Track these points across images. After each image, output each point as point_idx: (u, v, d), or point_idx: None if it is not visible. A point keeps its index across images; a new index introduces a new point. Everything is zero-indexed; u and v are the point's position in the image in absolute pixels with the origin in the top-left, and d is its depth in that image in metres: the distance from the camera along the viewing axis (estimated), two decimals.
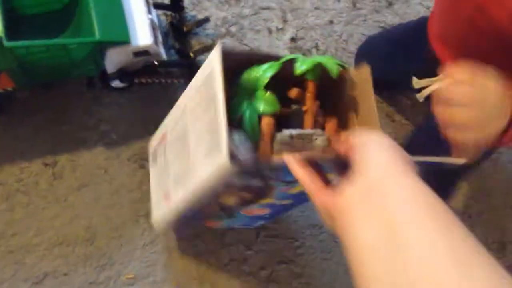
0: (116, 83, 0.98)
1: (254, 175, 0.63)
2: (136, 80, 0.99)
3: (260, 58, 0.63)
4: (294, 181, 0.60)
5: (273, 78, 0.62)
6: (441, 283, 0.26)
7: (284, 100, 0.65)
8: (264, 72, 0.62)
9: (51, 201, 0.94)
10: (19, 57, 0.82)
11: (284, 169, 0.52)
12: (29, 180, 0.95)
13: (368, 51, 0.98)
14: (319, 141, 0.64)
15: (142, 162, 0.98)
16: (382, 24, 1.22)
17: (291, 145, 0.62)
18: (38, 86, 0.94)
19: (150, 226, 0.94)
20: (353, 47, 1.15)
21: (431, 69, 0.65)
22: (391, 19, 1.24)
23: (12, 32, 0.80)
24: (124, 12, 0.88)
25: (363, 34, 1.19)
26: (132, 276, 0.91)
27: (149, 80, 1.00)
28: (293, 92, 0.66)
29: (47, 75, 0.90)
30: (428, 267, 0.27)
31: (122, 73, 0.95)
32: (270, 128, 0.62)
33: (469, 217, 1.04)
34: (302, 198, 0.73)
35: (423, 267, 0.27)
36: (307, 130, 0.64)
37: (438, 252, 0.27)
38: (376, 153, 0.34)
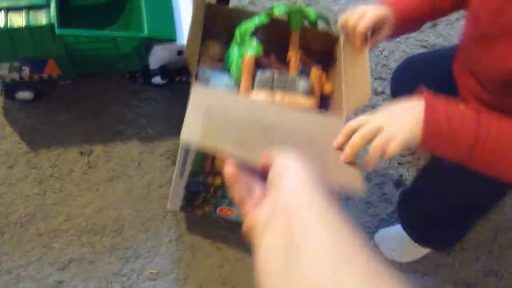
0: (156, 80, 1.00)
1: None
2: (176, 79, 1.00)
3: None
4: None
5: (273, 43, 0.77)
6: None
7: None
8: (252, 22, 0.74)
9: (83, 189, 0.95)
10: (68, 45, 0.84)
11: None
12: (63, 167, 0.96)
13: (403, 71, 0.98)
14: (302, 83, 0.73)
15: (175, 158, 0.99)
16: (425, 44, 1.21)
17: (270, 85, 0.72)
18: (81, 76, 0.96)
19: (177, 222, 0.95)
20: (393, 64, 1.14)
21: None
22: (434, 39, 1.23)
23: (63, 20, 0.82)
24: (172, 11, 0.90)
25: (405, 52, 1.18)
26: (155, 271, 0.91)
27: (189, 80, 1.01)
28: (289, 56, 0.79)
29: (92, 66, 0.92)
30: (318, 275, 0.27)
31: (164, 70, 0.97)
32: (249, 66, 0.73)
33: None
34: None
35: (314, 275, 0.28)
36: (291, 74, 0.72)
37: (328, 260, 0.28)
38: (289, 176, 0.34)
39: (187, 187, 0.80)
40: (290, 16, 0.78)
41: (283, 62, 0.80)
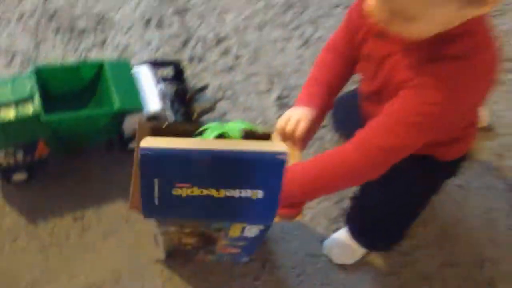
0: (131, 145, 1.16)
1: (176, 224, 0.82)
2: None
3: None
4: (218, 229, 0.79)
5: None
6: None
7: None
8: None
9: (81, 250, 1.08)
10: (54, 128, 1.00)
11: None
12: (61, 233, 1.10)
13: (339, 108, 1.18)
14: None
15: None
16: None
17: None
18: (67, 152, 1.11)
19: (168, 266, 1.08)
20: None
21: None
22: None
23: (46, 107, 0.98)
24: (137, 85, 1.07)
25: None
26: None
27: None
28: None
29: (76, 142, 1.08)
30: None
31: None
32: None
33: None
34: (251, 239, 0.89)
35: None
36: None
37: None
38: None
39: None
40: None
41: None
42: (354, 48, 0.88)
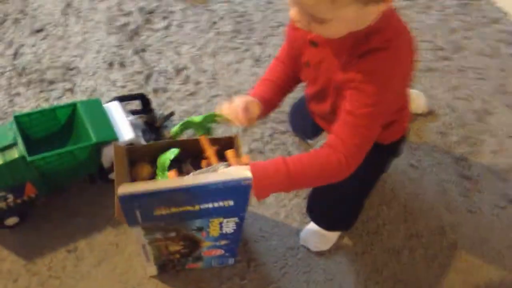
0: (112, 176, 1.26)
1: (161, 230, 0.92)
2: None
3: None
4: (199, 228, 0.90)
5: (186, 155, 0.96)
6: None
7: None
8: (166, 156, 0.94)
9: (78, 278, 1.16)
10: (39, 168, 1.10)
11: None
12: (58, 266, 1.18)
13: (294, 112, 1.31)
14: (222, 167, 0.90)
15: None
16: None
17: None
18: (53, 191, 1.20)
19: (161, 281, 1.16)
20: (287, 108, 1.46)
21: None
22: None
23: (29, 151, 1.08)
24: (109, 118, 1.18)
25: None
26: None
27: None
28: (203, 164, 0.97)
29: (60, 180, 1.17)
30: None
31: None
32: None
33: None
34: (230, 237, 1.00)
35: None
36: (212, 166, 0.92)
37: None
38: None
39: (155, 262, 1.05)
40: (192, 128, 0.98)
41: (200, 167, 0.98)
42: (294, 57, 1.01)
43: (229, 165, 0.90)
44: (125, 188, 0.80)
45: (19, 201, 1.14)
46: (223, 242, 1.03)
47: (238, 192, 0.84)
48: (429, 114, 1.42)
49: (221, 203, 0.85)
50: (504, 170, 1.36)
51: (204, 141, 0.97)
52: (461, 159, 1.37)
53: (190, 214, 0.86)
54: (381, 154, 1.06)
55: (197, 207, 0.84)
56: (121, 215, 0.86)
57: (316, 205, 1.19)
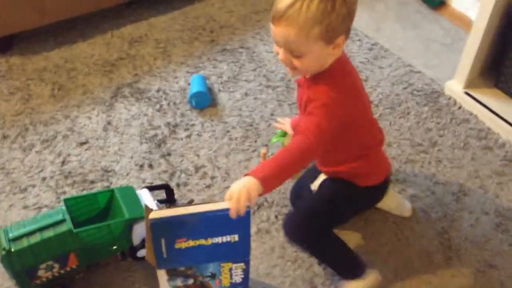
0: (140, 253, 1.47)
1: (181, 275, 1.12)
2: None
3: None
4: (213, 275, 1.11)
5: None
6: None
7: None
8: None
9: None
10: (82, 240, 1.33)
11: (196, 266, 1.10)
12: None
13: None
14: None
15: None
16: None
17: None
18: (90, 267, 1.42)
19: None
20: None
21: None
22: None
23: (75, 228, 1.33)
24: (140, 201, 1.44)
25: None
26: None
27: None
28: None
29: (98, 254, 1.40)
30: None
31: (144, 242, 1.45)
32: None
33: None
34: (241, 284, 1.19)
35: None
36: None
37: None
38: None
39: None
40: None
41: None
42: None
43: None
44: (155, 214, 1.04)
45: (62, 271, 1.36)
46: None
47: (241, 220, 1.03)
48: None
49: (228, 238, 1.06)
50: (481, 241, 1.54)
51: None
52: (442, 232, 1.56)
53: (204, 250, 1.07)
54: (355, 190, 1.34)
55: (209, 241, 1.06)
56: (151, 255, 1.08)
57: (292, 221, 1.36)
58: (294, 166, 1.12)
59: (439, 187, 1.69)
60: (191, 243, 1.08)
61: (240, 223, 1.07)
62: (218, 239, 1.08)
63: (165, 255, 1.08)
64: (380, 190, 1.40)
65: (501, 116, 1.85)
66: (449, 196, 1.66)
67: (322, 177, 1.40)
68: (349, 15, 1.11)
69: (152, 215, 1.07)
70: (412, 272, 1.46)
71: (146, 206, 1.16)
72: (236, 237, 1.08)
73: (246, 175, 1.05)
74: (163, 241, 1.07)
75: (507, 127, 1.83)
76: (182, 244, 1.07)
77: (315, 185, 1.40)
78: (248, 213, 1.07)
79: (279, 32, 1.10)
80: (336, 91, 1.16)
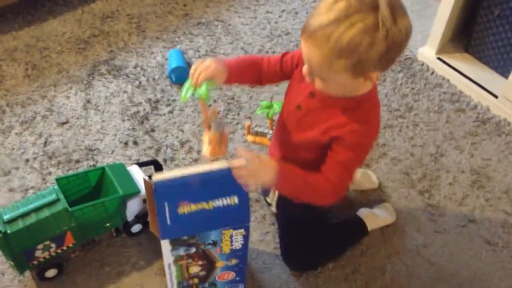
0: (134, 228, 1.49)
1: (184, 245, 1.15)
2: (147, 219, 1.50)
3: None
4: (214, 242, 1.15)
5: None
6: None
7: None
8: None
9: None
10: (77, 218, 1.34)
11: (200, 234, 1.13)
12: None
13: None
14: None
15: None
16: None
17: None
18: (84, 245, 1.43)
19: None
20: None
21: None
22: None
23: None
24: (132, 177, 1.45)
25: None
26: None
27: None
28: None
29: (93, 231, 1.41)
30: None
31: (138, 217, 1.47)
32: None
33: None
34: (239, 254, 1.23)
35: None
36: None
37: None
38: None
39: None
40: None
41: None
42: (272, 76, 1.30)
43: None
44: (156, 176, 1.06)
45: (59, 250, 1.36)
46: (233, 262, 1.25)
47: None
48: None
49: (228, 200, 1.09)
50: (460, 197, 1.63)
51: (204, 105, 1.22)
52: (424, 191, 1.64)
53: (206, 216, 1.10)
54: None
55: (210, 205, 1.09)
56: (155, 226, 1.10)
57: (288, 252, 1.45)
58: (304, 191, 1.17)
59: (418, 149, 1.76)
60: (193, 207, 1.09)
61: (239, 184, 1.10)
62: (219, 202, 1.10)
63: (168, 222, 1.10)
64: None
65: (472, 79, 1.93)
66: (427, 158, 1.74)
67: (275, 193, 1.44)
68: (389, 52, 0.96)
69: (155, 177, 1.07)
70: (397, 230, 1.54)
71: (145, 180, 1.17)
72: (236, 200, 1.11)
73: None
74: (166, 206, 1.08)
75: (478, 89, 1.91)
76: (185, 208, 1.09)
77: (271, 200, 1.47)
78: None
79: (304, 48, 1.00)
80: (375, 126, 1.18)
